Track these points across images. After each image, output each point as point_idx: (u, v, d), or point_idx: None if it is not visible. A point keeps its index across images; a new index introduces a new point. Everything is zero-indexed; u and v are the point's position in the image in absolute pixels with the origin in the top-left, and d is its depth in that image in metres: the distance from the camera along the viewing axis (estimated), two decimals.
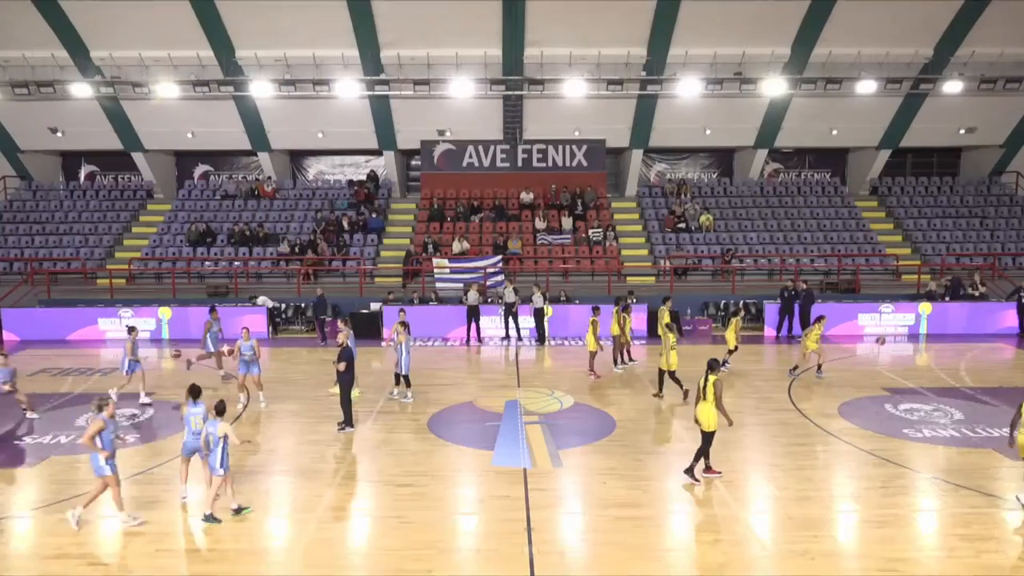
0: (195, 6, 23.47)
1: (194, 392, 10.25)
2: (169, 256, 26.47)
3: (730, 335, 17.61)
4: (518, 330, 21.45)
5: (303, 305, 23.35)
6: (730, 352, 17.67)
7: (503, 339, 21.65)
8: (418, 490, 10.50)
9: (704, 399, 10.49)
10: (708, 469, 10.81)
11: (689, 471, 10.64)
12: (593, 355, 17.06)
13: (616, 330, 17.60)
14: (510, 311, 21.38)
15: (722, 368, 17.58)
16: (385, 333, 21.49)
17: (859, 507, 9.92)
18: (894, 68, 25.00)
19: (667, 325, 15.68)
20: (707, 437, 10.59)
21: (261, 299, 22.72)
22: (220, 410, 9.67)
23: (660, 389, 15.23)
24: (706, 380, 10.52)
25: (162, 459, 11.81)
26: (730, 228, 27.89)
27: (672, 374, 14.82)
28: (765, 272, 26.13)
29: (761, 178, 30.69)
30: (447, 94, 25.31)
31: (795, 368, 17.00)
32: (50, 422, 13.78)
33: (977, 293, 22.97)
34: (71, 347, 21.28)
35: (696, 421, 10.72)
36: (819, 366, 16.95)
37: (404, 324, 15.07)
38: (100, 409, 9.47)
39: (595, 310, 17.32)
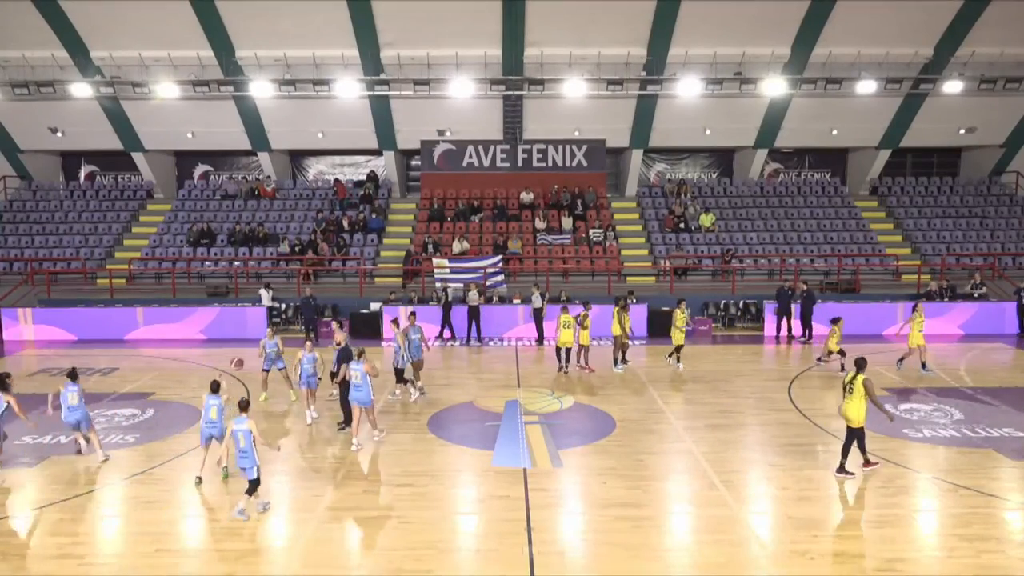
0: (195, 6, 23.47)
1: None
2: (169, 256, 26.47)
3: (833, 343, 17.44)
4: (479, 332, 21.44)
5: (298, 305, 23.33)
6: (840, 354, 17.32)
7: (465, 341, 21.54)
8: (418, 490, 10.51)
9: (851, 396, 10.69)
10: (867, 463, 11.03)
11: (841, 469, 10.86)
12: (581, 350, 17.58)
13: (617, 330, 17.65)
14: (474, 314, 21.39)
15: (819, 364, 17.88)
16: (386, 333, 21.52)
17: (859, 507, 9.92)
18: (894, 68, 25.01)
19: (558, 306, 17.82)
20: (858, 433, 10.77)
21: (261, 291, 22.67)
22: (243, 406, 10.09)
23: (563, 365, 17.52)
24: (854, 378, 10.72)
25: (161, 459, 11.81)
26: (730, 228, 27.89)
27: (568, 351, 17.39)
28: (765, 272, 26.13)
29: (761, 178, 30.70)
30: (447, 94, 25.31)
31: (923, 364, 17.23)
32: (50, 422, 13.75)
33: (976, 294, 22.96)
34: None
35: (844, 418, 10.84)
36: (900, 359, 17.44)
37: (339, 323, 15.40)
38: None
39: (587, 305, 17.84)
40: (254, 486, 9.72)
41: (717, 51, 24.69)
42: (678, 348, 17.98)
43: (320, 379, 13.99)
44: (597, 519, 9.57)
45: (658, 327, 22.00)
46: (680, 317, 17.83)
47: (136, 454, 12.12)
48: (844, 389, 10.88)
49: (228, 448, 10.12)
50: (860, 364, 10.86)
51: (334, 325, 14.90)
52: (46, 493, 10.49)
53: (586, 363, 17.64)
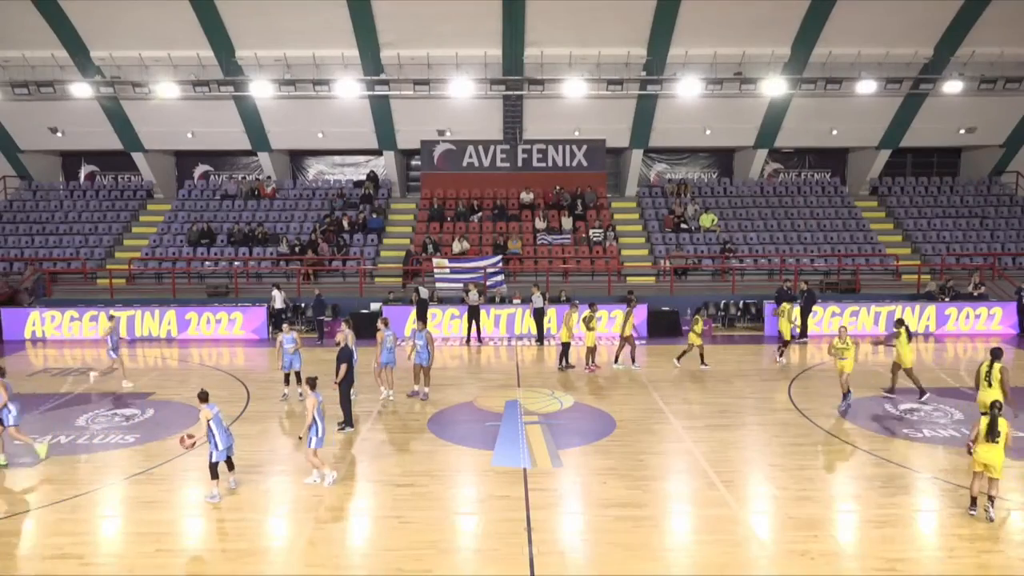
0: (195, 6, 23.47)
1: None
2: (169, 256, 26.47)
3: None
4: (479, 332, 21.42)
5: (303, 305, 23.34)
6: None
7: (466, 342, 21.54)
8: (418, 490, 10.51)
9: (988, 386, 10.98)
10: None
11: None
12: (591, 351, 17.65)
13: (627, 329, 17.75)
14: (474, 314, 21.37)
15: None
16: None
17: (859, 507, 9.92)
18: (894, 68, 25.00)
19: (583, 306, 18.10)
20: None
21: (275, 292, 22.66)
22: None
23: (567, 362, 17.80)
24: (991, 367, 11.03)
25: (161, 459, 11.80)
26: (730, 228, 27.89)
27: (567, 346, 17.73)
28: (765, 272, 26.12)
29: (761, 178, 30.70)
30: (447, 94, 25.31)
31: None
32: (50, 422, 13.78)
33: (976, 294, 22.96)
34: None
35: (982, 407, 10.92)
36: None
37: (291, 323, 15.63)
38: None
39: (592, 306, 17.97)
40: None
41: (717, 51, 24.70)
42: (787, 342, 18.52)
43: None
44: (597, 519, 9.57)
45: (658, 327, 22.01)
46: (791, 312, 18.50)
47: (136, 454, 12.12)
48: (982, 379, 11.11)
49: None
50: (996, 353, 11.16)
51: (343, 325, 15.07)
52: (46, 493, 10.49)
53: (592, 362, 17.67)
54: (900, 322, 15.02)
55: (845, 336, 14.27)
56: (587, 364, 17.65)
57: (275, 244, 26.82)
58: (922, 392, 14.66)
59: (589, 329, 17.47)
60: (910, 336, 14.77)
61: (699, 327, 17.70)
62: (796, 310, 18.26)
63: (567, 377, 17.15)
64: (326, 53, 24.82)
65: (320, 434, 10.58)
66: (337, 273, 26.47)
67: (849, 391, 14.25)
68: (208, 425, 10.00)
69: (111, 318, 17.21)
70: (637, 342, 20.24)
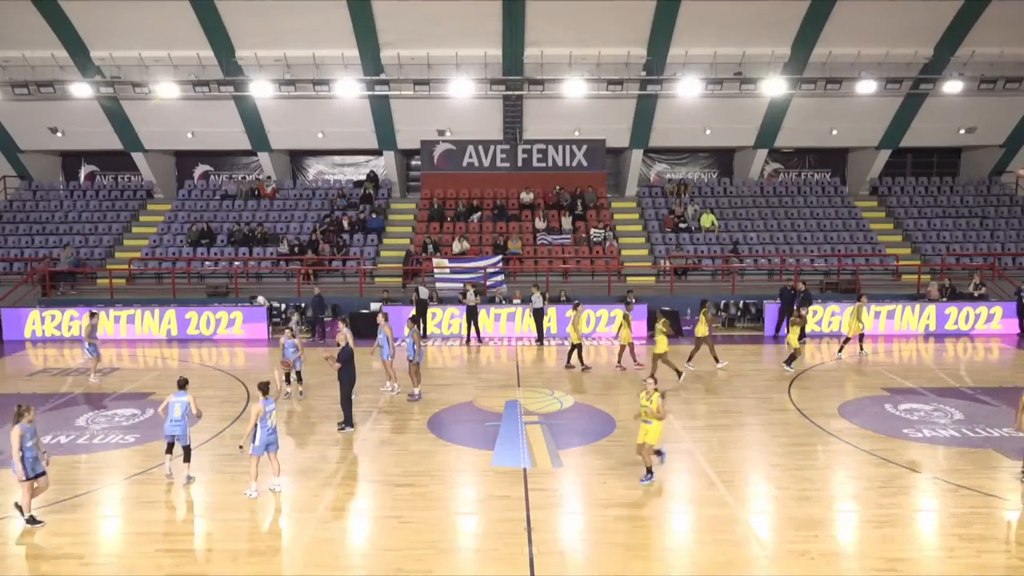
0: (195, 6, 23.46)
1: None
2: (169, 256, 26.47)
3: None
4: (478, 332, 21.38)
5: (303, 305, 23.34)
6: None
7: (465, 342, 21.50)
8: (418, 490, 10.51)
9: None
10: None
11: None
12: (623, 348, 17.93)
13: (704, 330, 17.70)
14: (472, 314, 21.34)
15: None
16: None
17: (859, 507, 9.92)
18: (894, 68, 25.00)
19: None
20: None
21: (260, 299, 22.69)
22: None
23: (580, 363, 17.82)
24: None
25: (161, 459, 11.77)
26: (730, 228, 27.90)
27: (578, 347, 17.64)
28: (765, 272, 26.12)
29: (761, 178, 30.70)
30: (447, 94, 25.31)
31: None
32: (50, 422, 13.77)
33: (976, 294, 22.95)
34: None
35: None
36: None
37: (297, 327, 16.51)
38: (20, 416, 9.35)
39: (628, 305, 18.31)
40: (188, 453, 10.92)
41: (717, 51, 24.70)
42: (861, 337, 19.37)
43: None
44: (597, 519, 9.57)
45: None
46: (862, 311, 19.04)
47: (136, 454, 12.12)
48: None
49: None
50: None
51: (340, 324, 15.10)
52: (46, 493, 10.47)
53: (633, 359, 18.00)
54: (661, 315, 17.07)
55: (651, 390, 10.54)
56: (618, 363, 17.94)
57: (275, 244, 26.83)
58: (679, 374, 16.43)
59: (625, 327, 17.59)
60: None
61: (798, 329, 17.52)
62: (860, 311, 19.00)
63: (567, 377, 17.14)
64: (326, 53, 24.82)
65: (258, 442, 10.12)
66: (337, 273, 26.46)
67: (652, 466, 10.66)
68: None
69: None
70: (637, 343, 20.24)
